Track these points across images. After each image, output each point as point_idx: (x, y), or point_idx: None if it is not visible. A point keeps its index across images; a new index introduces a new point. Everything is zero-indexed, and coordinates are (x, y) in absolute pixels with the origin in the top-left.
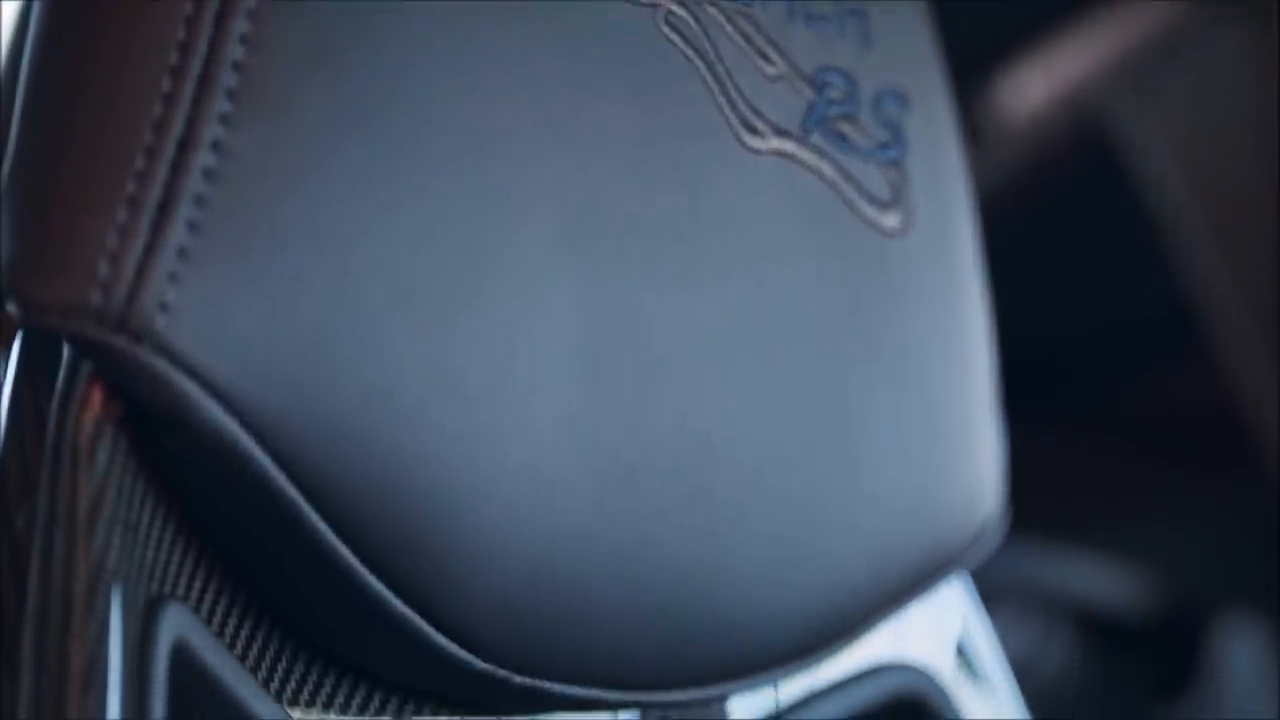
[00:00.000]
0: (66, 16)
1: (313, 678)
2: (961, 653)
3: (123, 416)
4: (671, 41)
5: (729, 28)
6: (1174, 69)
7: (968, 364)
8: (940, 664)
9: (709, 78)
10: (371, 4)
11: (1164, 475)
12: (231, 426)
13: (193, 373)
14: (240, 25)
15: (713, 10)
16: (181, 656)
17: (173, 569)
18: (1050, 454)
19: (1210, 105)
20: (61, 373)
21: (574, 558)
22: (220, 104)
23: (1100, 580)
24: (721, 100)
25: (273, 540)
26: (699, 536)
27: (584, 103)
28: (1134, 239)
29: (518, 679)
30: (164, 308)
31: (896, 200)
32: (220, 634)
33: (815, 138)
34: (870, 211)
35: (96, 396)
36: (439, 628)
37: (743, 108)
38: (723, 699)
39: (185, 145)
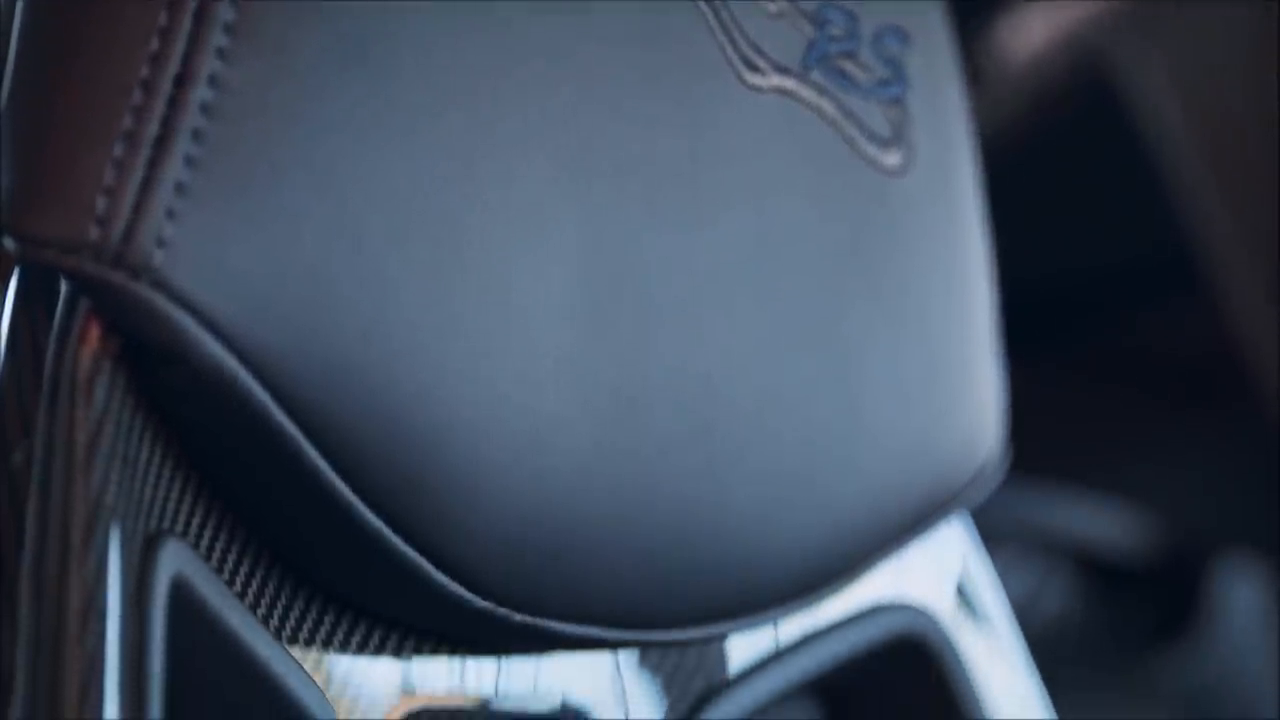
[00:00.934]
0: None
1: (312, 615)
2: (962, 593)
3: (120, 352)
4: None
5: None
6: (1175, 9)
7: (968, 303)
8: (940, 604)
9: (710, 15)
10: None
11: (1164, 416)
12: (230, 362)
13: (191, 308)
14: None
15: None
16: (180, 593)
17: (171, 505)
18: (1050, 395)
19: (1211, 46)
20: (59, 308)
21: (573, 496)
22: (217, 38)
23: (1100, 521)
24: (722, 38)
25: (272, 477)
26: (699, 475)
27: (584, 40)
28: (1135, 180)
29: (517, 617)
30: (161, 243)
31: (897, 138)
32: (219, 571)
33: (816, 75)
34: (871, 149)
35: (94, 332)
36: (438, 565)
37: (743, 45)
38: (722, 638)
39: (182, 80)
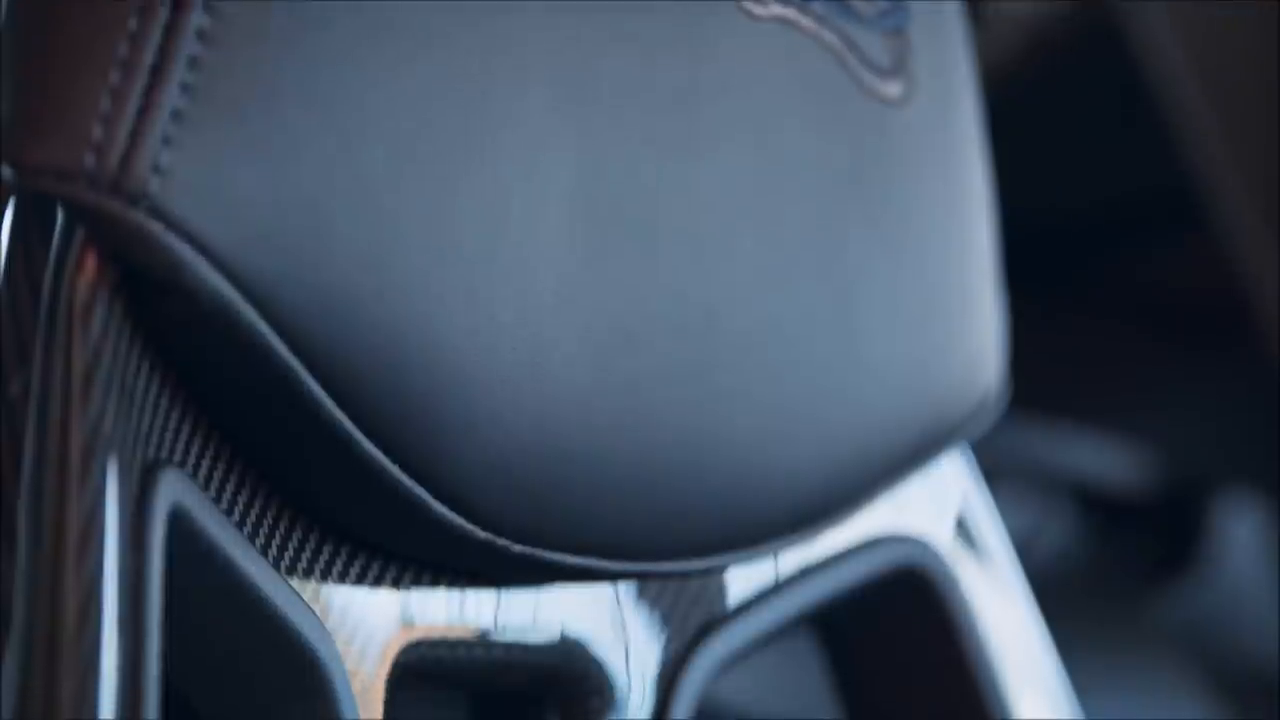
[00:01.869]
0: None
1: (310, 546)
2: (961, 526)
3: (118, 282)
4: None
5: None
6: None
7: (968, 236)
8: (940, 537)
9: None
10: None
11: (1165, 353)
12: (228, 291)
13: (188, 237)
14: None
15: None
16: (179, 522)
17: (170, 435)
18: (1051, 331)
19: None
20: (55, 238)
21: (572, 426)
22: None
23: (1100, 457)
24: None
25: (271, 407)
26: (698, 405)
27: None
28: (1137, 118)
29: (516, 548)
30: (158, 171)
31: (898, 69)
32: (218, 501)
33: (816, 4)
34: (871, 79)
35: (91, 262)
36: (437, 495)
37: None
38: (722, 570)
39: (179, 5)
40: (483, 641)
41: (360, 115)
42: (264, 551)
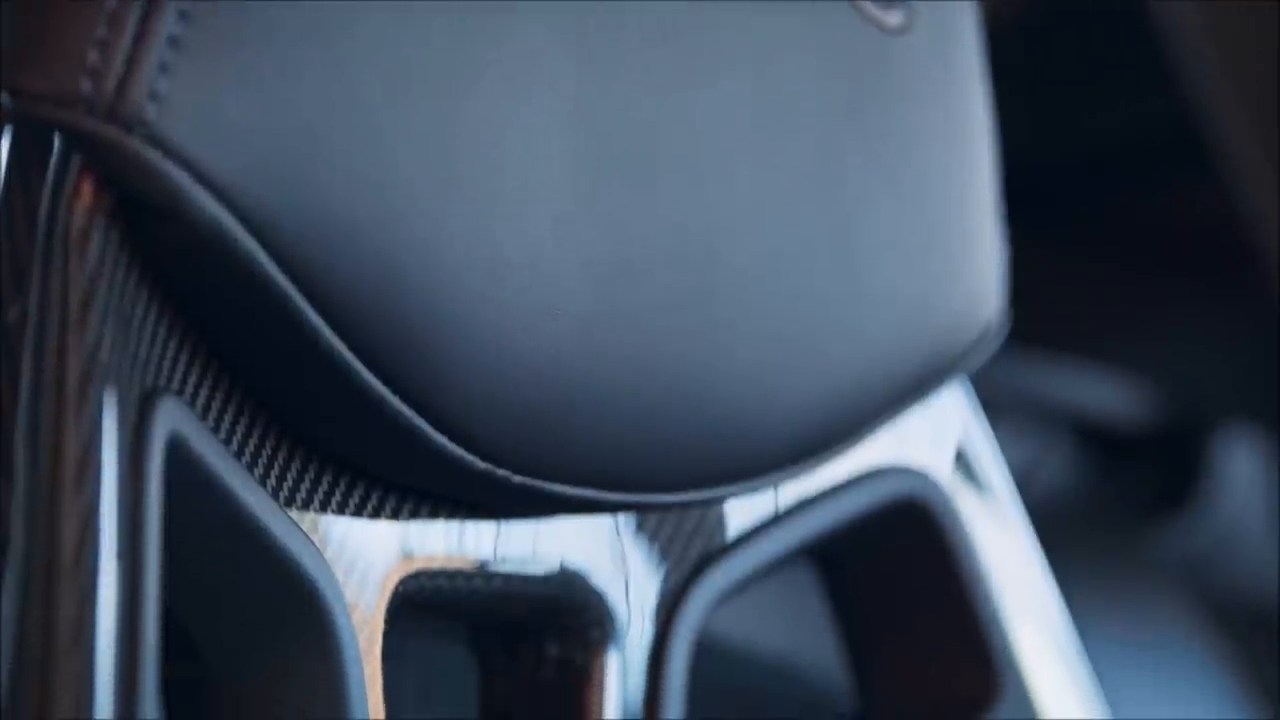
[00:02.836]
0: None
1: (309, 476)
2: (961, 459)
3: (115, 209)
4: None
5: None
6: None
7: (968, 168)
8: (940, 469)
9: None
10: None
11: (1166, 289)
12: (226, 219)
13: (186, 164)
14: None
15: None
16: (177, 451)
17: (168, 364)
18: (1051, 267)
19: None
20: (52, 165)
21: (572, 357)
22: None
23: (1100, 392)
24: None
25: (270, 336)
26: (698, 336)
27: None
28: (1139, 54)
29: (515, 479)
30: (155, 97)
31: None
32: (217, 431)
33: None
34: (871, 7)
35: (88, 188)
36: (437, 426)
37: None
38: (721, 502)
39: None
40: (482, 573)
41: (357, 44)
42: (263, 481)
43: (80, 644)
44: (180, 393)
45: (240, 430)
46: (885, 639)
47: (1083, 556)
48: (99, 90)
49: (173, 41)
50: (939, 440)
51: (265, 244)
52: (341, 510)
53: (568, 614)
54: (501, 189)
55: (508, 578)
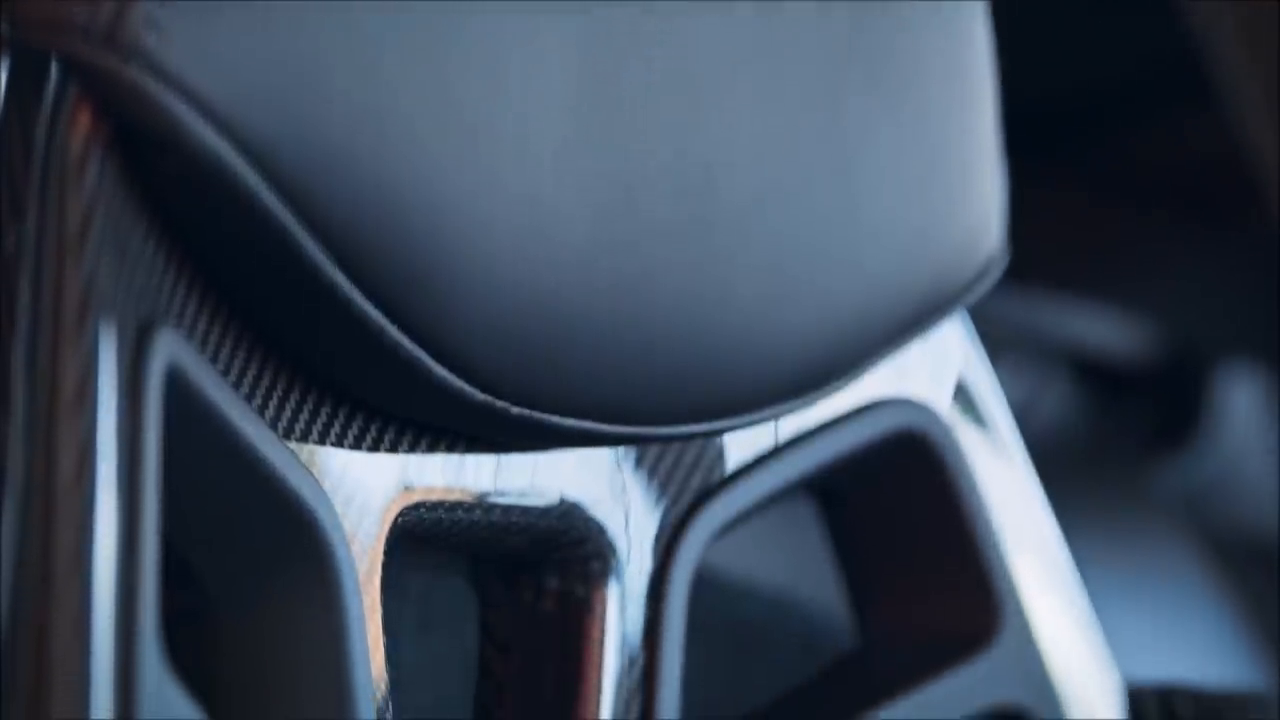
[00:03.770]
0: None
1: (308, 408)
2: (961, 392)
3: (112, 138)
4: None
5: None
6: None
7: (969, 101)
8: (940, 402)
9: None
10: None
11: (1166, 226)
12: (224, 149)
13: (185, 93)
14: None
15: None
16: (175, 382)
17: (165, 295)
18: (1052, 204)
19: None
20: (49, 93)
21: (572, 288)
22: None
23: (1100, 328)
24: None
25: (269, 268)
26: (697, 268)
27: None
28: None
29: (515, 410)
30: (152, 25)
31: None
32: (215, 362)
33: None
34: None
35: (84, 116)
36: (437, 357)
37: None
38: (721, 435)
39: None
40: (482, 504)
41: None
42: (261, 412)
43: (79, 571)
44: (179, 324)
45: (239, 362)
46: (885, 572)
47: (1082, 492)
48: (96, 17)
49: None
50: (939, 373)
51: (265, 174)
52: (340, 442)
53: (567, 546)
54: (501, 119)
55: (507, 509)
